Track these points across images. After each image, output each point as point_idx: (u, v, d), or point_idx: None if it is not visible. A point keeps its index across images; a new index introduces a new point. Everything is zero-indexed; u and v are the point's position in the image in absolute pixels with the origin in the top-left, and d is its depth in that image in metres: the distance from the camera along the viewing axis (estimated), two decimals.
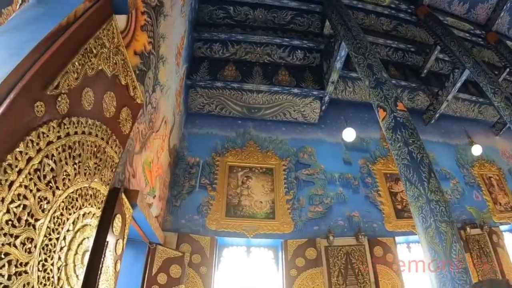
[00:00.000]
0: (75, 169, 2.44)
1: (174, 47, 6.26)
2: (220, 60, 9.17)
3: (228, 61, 9.19)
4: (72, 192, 2.42)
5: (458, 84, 10.00)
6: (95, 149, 2.77)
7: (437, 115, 10.84)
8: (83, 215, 2.65)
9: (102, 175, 2.97)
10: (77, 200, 2.52)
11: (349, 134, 8.22)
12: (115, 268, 3.54)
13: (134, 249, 5.50)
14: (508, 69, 12.08)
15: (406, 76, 10.69)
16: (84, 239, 2.68)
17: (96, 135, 2.76)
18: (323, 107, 9.30)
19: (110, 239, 3.30)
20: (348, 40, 7.02)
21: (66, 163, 2.31)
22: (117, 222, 3.47)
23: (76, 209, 2.51)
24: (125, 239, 3.83)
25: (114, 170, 3.27)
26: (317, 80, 9.14)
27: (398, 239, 7.85)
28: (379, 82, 6.04)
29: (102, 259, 3.10)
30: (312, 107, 9.12)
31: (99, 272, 3.05)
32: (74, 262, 2.52)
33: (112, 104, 3.04)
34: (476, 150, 10.26)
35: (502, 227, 9.86)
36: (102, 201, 3.05)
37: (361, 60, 6.51)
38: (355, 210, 7.85)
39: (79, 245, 2.59)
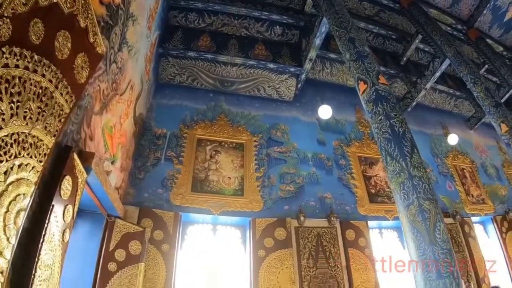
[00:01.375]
0: (11, 108, 2.11)
1: (147, 9, 5.81)
2: (195, 30, 8.65)
3: (203, 31, 8.68)
4: (6, 136, 2.08)
5: (438, 74, 9.84)
6: (40, 91, 2.44)
7: (414, 103, 10.71)
8: (19, 166, 2.26)
9: (47, 123, 2.57)
10: (11, 146, 2.14)
11: (325, 111, 7.88)
12: (62, 238, 3.09)
13: (91, 222, 5.02)
14: (486, 66, 12.13)
15: (385, 62, 10.51)
16: (18, 195, 2.27)
17: (43, 75, 2.44)
18: (299, 85, 8.95)
19: (57, 203, 2.88)
20: (330, 15, 6.65)
21: (1, 99, 1.99)
22: (66, 185, 3.04)
23: (9, 157, 2.15)
24: (76, 206, 3.37)
25: (63, 120, 2.86)
26: (294, 57, 8.76)
27: (370, 223, 7.61)
28: (361, 55, 5.73)
29: (46, 225, 2.70)
30: (288, 84, 8.75)
31: (41, 239, 2.64)
32: (4, 221, 2.14)
33: (66, 45, 2.73)
34: (452, 139, 10.18)
35: (474, 219, 9.86)
36: (45, 154, 2.61)
37: (343, 33, 6.17)
38: (327, 191, 7.55)
39: (11, 201, 2.20)
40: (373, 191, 8.05)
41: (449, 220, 8.84)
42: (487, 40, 12.81)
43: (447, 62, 9.29)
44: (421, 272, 3.88)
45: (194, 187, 6.72)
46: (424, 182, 4.31)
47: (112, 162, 5.25)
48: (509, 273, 9.70)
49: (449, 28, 11.82)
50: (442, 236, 3.92)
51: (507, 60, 13.61)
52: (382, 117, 4.98)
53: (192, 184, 6.75)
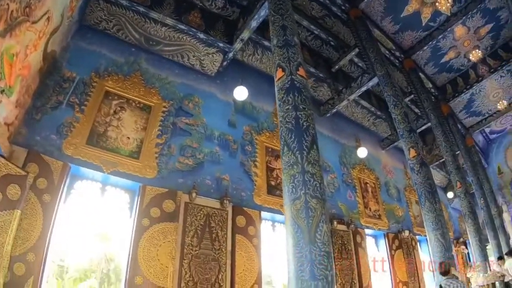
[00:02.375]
0: None
1: None
2: None
3: None
4: None
5: (363, 88, 10.09)
6: None
7: (334, 110, 10.89)
8: None
9: None
10: None
11: (240, 92, 7.70)
12: None
13: None
14: (412, 96, 12.69)
15: (317, 64, 10.58)
16: None
17: None
18: (225, 63, 8.69)
19: None
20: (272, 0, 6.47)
21: None
22: None
23: None
24: None
25: None
26: (227, 34, 8.44)
27: (264, 214, 7.56)
28: (288, 44, 5.60)
29: None
30: (214, 58, 8.45)
31: None
32: None
33: None
34: (361, 152, 10.51)
35: (367, 231, 10.26)
36: None
37: (277, 19, 6.02)
38: (226, 173, 7.39)
39: None
40: (273, 183, 8.03)
41: (342, 227, 9.08)
42: (420, 74, 13.44)
43: (375, 80, 9.52)
44: (295, 270, 3.79)
45: (90, 140, 6.16)
46: (316, 180, 4.24)
47: (2, 92, 4.63)
48: (392, 284, 10.30)
49: (387, 52, 12.20)
50: (323, 237, 3.86)
51: (433, 97, 14.41)
52: (290, 107, 4.86)
53: (88, 136, 6.17)
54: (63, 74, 6.51)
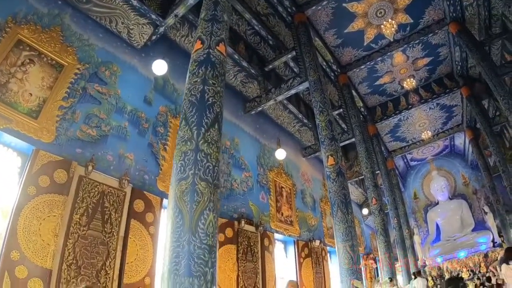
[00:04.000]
0: None
1: None
2: None
3: None
4: None
5: (293, 91, 10.04)
6: None
7: (259, 108, 10.72)
8: None
9: None
10: None
11: (158, 66, 7.17)
12: None
13: None
14: (341, 110, 12.88)
15: (251, 60, 10.35)
16: None
17: None
18: (154, 38, 8.13)
19: None
20: None
21: None
22: None
23: None
24: None
25: None
26: (163, 7, 7.89)
27: (166, 202, 7.04)
28: (215, 19, 5.29)
29: None
30: (143, 30, 7.83)
31: None
32: None
33: None
34: (280, 153, 10.35)
35: (277, 235, 10.08)
36: None
37: None
38: (131, 152, 6.80)
39: None
40: None
41: (250, 228, 8.85)
42: (353, 91, 13.71)
43: (306, 84, 9.49)
44: (169, 262, 3.36)
45: None
46: (210, 162, 3.89)
47: None
48: None
49: (324, 63, 12.30)
50: (207, 228, 3.48)
51: (361, 116, 14.77)
52: (199, 80, 4.50)
53: None
54: None
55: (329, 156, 7.77)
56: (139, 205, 6.42)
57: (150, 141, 7.28)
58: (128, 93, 7.24)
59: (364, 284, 7.52)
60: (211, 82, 4.47)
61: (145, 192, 6.63)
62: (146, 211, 6.50)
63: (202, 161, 3.83)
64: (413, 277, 11.54)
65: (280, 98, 10.30)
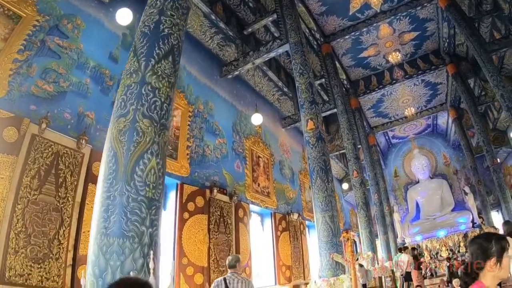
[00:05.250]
0: None
1: None
2: None
3: None
4: None
5: (272, 54, 9.45)
6: None
7: (236, 72, 10.04)
8: None
9: None
10: None
11: (122, 15, 6.44)
12: None
13: None
14: (323, 80, 12.41)
15: (229, 22, 9.64)
16: None
17: None
18: None
19: None
20: None
21: None
22: None
23: None
24: None
25: None
26: None
27: None
28: None
29: None
30: None
31: None
32: None
33: None
34: (256, 118, 9.79)
35: (253, 207, 9.60)
36: None
37: None
38: (92, 110, 6.09)
39: None
40: None
41: (224, 198, 8.34)
42: (336, 63, 13.21)
43: (286, 47, 8.93)
44: (98, 217, 2.76)
45: None
46: (158, 97, 3.29)
47: None
48: (274, 267, 9.87)
49: (307, 30, 11.74)
50: (147, 177, 2.87)
51: (344, 89, 14.33)
52: (155, 11, 3.89)
53: None
54: None
55: (309, 120, 7.21)
56: (98, 168, 5.72)
57: (114, 99, 6.57)
58: (92, 48, 6.49)
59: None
60: (169, 13, 3.86)
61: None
62: None
63: (148, 95, 3.23)
64: (398, 252, 11.35)
65: (258, 61, 9.67)
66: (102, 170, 3.00)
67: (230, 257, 4.27)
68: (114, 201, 2.72)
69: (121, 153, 2.91)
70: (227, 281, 3.97)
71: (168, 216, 7.11)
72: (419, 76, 14.75)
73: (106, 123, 6.10)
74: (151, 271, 2.63)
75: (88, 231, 5.14)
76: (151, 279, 2.55)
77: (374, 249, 10.57)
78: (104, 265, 2.56)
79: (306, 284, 9.37)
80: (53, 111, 5.55)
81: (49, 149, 5.29)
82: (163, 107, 3.29)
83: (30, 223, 4.76)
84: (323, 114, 10.98)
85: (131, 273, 2.53)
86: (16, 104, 5.19)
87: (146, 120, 3.09)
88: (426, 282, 11.97)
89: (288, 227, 10.90)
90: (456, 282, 7.04)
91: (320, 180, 6.62)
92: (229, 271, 4.16)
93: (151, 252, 2.70)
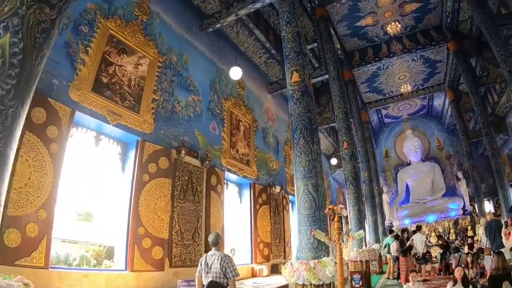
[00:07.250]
0: None
1: None
2: None
3: None
4: None
5: (258, 5, 8.49)
6: None
7: (218, 25, 9.10)
8: None
9: None
10: None
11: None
12: None
13: None
14: (316, 44, 11.44)
15: None
16: None
17: None
18: None
19: None
20: None
21: None
22: None
23: None
24: None
25: None
26: None
27: (80, 117, 5.48)
28: None
29: None
30: None
31: None
32: None
33: None
34: (235, 72, 8.77)
35: (228, 174, 8.82)
36: None
37: None
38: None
39: None
40: (105, 80, 5.88)
41: (194, 162, 7.50)
42: (331, 29, 12.19)
43: None
44: None
45: None
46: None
47: None
48: (251, 244, 9.24)
49: None
50: None
51: (338, 57, 13.36)
52: None
53: None
54: None
55: (294, 72, 6.03)
56: (38, 115, 4.77)
57: (68, 40, 5.48)
58: None
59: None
60: None
61: (50, 99, 4.94)
62: (47, 123, 4.85)
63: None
64: (388, 233, 10.63)
65: (243, 12, 8.68)
66: None
67: (210, 236, 4.18)
68: None
69: None
70: (207, 258, 3.99)
71: (125, 178, 6.23)
72: (418, 51, 13.86)
73: (54, 65, 5.36)
74: None
75: (21, 187, 4.44)
76: None
77: (364, 229, 9.70)
78: None
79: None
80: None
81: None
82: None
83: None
84: (314, 80, 9.99)
85: None
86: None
87: None
88: None
89: (269, 200, 10.07)
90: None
91: (303, 141, 5.43)
92: (212, 248, 4.05)
93: None
